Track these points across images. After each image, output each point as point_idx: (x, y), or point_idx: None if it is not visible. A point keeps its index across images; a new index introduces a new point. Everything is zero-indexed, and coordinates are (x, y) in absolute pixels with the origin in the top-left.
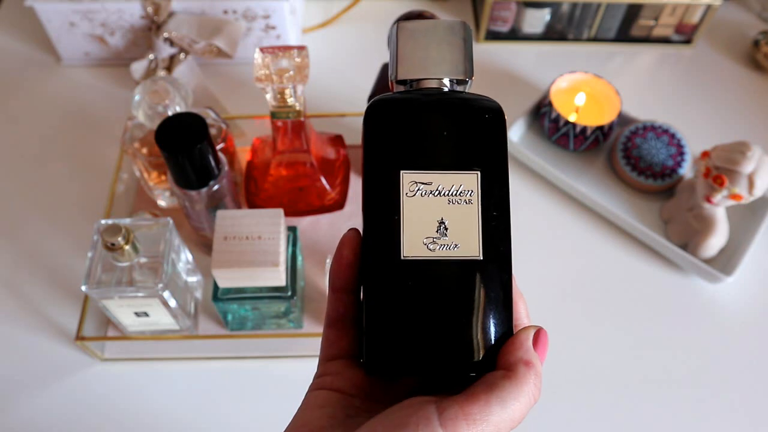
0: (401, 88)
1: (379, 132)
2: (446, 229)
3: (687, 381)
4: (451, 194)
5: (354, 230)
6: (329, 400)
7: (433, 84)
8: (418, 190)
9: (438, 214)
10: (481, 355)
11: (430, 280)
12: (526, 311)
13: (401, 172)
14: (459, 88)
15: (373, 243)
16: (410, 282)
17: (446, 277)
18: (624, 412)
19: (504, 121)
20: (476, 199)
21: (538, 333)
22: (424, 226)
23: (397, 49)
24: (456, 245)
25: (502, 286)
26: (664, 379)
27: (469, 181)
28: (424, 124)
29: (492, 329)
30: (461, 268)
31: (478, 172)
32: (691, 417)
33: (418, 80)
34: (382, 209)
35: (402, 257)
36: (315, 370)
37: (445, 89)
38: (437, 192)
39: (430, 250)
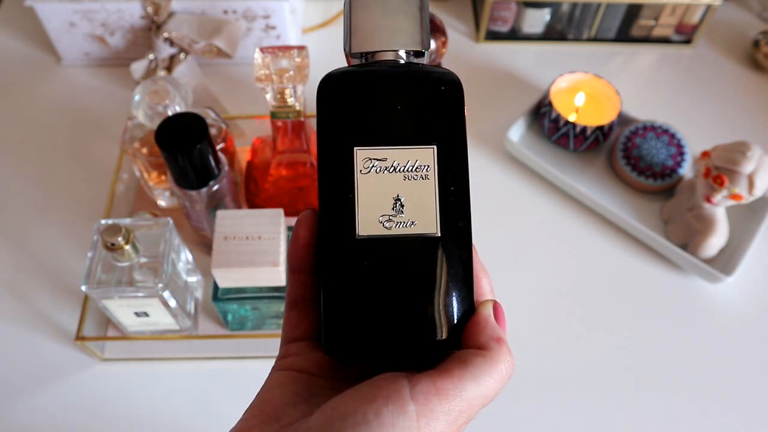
0: (356, 61)
1: (331, 107)
2: (402, 206)
3: (687, 381)
4: (407, 170)
5: (310, 210)
6: (292, 379)
7: (389, 56)
8: (373, 166)
9: (393, 190)
10: (443, 334)
11: (387, 258)
12: (490, 287)
13: (355, 148)
14: (416, 61)
15: (328, 222)
16: (366, 261)
17: (404, 255)
18: (624, 411)
19: (461, 93)
20: (433, 174)
21: (496, 307)
22: (379, 203)
23: (351, 20)
24: (413, 222)
25: (462, 263)
26: (665, 379)
27: (425, 156)
28: (378, 98)
29: (453, 307)
30: (419, 245)
31: (435, 147)
32: (691, 417)
33: (373, 53)
34: (336, 187)
35: (357, 236)
36: None
37: (402, 61)
38: (392, 168)
39: (386, 228)
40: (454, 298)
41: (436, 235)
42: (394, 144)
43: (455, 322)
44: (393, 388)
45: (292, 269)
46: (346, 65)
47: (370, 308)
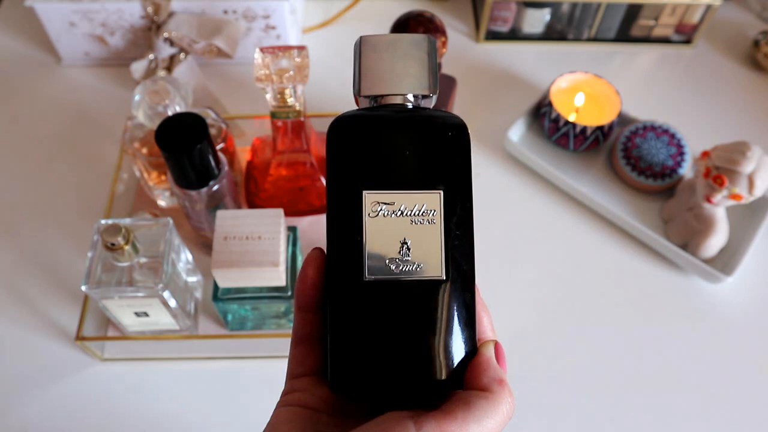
0: (365, 103)
1: (341, 150)
2: (409, 249)
3: (687, 381)
4: (414, 214)
5: (318, 250)
6: (298, 415)
7: (398, 100)
8: (381, 210)
9: (401, 234)
10: (446, 374)
11: (393, 301)
12: (490, 324)
13: (364, 192)
14: (424, 104)
15: (336, 264)
16: (374, 303)
17: (410, 297)
18: (624, 411)
19: (468, 137)
20: (439, 218)
21: (497, 348)
22: (386, 246)
23: (360, 63)
24: (419, 266)
25: (465, 305)
26: (664, 379)
27: (432, 200)
28: (387, 143)
29: (456, 348)
30: (424, 288)
31: (441, 191)
32: (690, 417)
33: (383, 96)
34: (345, 230)
35: (365, 278)
36: None
37: (410, 105)
38: (400, 212)
39: (393, 271)
40: (457, 340)
41: (442, 278)
42: (402, 188)
43: (458, 363)
44: (399, 430)
45: (299, 307)
46: (356, 106)
47: (375, 348)
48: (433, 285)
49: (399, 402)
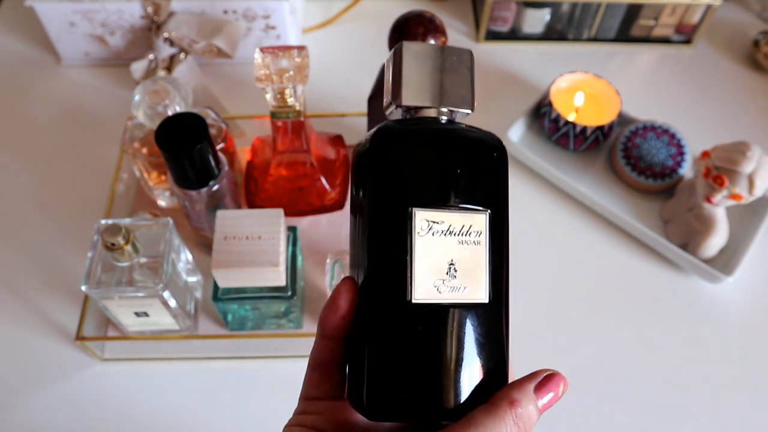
0: (397, 114)
1: (389, 164)
2: (456, 270)
3: (687, 381)
4: (462, 234)
5: (350, 279)
6: None
7: (434, 113)
8: (430, 229)
9: (449, 255)
10: (481, 397)
11: (438, 324)
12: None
13: (414, 209)
14: (458, 120)
15: (380, 285)
16: (419, 327)
17: (453, 320)
18: (624, 411)
19: (507, 160)
20: (485, 240)
21: (551, 377)
22: (434, 267)
23: (401, 71)
24: (464, 288)
25: (504, 329)
26: (664, 379)
27: (479, 221)
28: (438, 160)
29: (495, 372)
30: (468, 311)
31: (488, 212)
32: (690, 416)
33: (421, 108)
34: (392, 248)
35: (413, 301)
36: None
37: (443, 119)
38: (449, 231)
39: (439, 292)
40: (497, 364)
41: (485, 301)
42: (451, 207)
43: (495, 386)
44: None
45: (324, 335)
46: (384, 112)
47: (416, 373)
48: (477, 308)
49: (432, 426)
